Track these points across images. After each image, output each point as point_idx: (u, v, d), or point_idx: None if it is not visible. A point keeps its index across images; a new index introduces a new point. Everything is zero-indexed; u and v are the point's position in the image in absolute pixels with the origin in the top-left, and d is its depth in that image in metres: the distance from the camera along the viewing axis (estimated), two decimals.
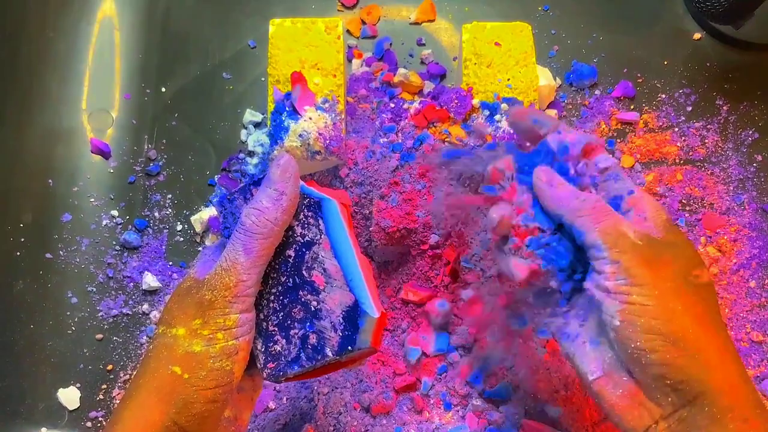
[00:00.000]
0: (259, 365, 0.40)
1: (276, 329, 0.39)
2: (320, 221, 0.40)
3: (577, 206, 0.37)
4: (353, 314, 0.38)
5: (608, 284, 0.35)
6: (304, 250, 0.40)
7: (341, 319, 0.39)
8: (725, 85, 0.63)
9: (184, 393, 0.35)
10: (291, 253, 0.40)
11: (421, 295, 0.54)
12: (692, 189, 0.60)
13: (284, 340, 0.39)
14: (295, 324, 0.39)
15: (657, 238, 0.36)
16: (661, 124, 0.62)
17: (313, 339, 0.39)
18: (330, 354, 0.38)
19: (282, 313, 0.39)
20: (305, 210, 0.40)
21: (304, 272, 0.39)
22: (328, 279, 0.39)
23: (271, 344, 0.39)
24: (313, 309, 0.39)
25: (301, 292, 0.39)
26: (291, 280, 0.40)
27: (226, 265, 0.37)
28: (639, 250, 0.35)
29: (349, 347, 0.38)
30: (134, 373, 0.37)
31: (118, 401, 0.55)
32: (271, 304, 0.40)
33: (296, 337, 0.39)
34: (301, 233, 0.40)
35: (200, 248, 0.59)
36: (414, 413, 0.54)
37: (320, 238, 0.40)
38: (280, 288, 0.40)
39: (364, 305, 0.38)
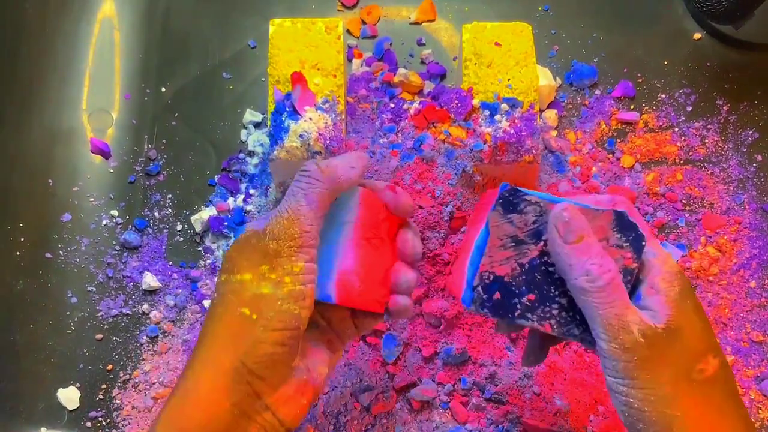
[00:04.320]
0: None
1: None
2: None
3: (584, 284, 0.35)
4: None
5: (609, 381, 0.35)
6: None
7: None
8: (725, 85, 0.63)
9: (253, 333, 0.35)
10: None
11: (416, 293, 0.54)
12: (692, 189, 0.60)
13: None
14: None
15: (662, 329, 0.34)
16: (661, 124, 0.62)
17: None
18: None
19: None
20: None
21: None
22: None
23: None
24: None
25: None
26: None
27: (288, 215, 0.36)
28: (639, 350, 0.34)
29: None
30: (201, 328, 0.37)
31: (118, 401, 0.55)
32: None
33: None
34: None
35: (200, 248, 0.59)
36: (414, 413, 0.54)
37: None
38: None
39: None
